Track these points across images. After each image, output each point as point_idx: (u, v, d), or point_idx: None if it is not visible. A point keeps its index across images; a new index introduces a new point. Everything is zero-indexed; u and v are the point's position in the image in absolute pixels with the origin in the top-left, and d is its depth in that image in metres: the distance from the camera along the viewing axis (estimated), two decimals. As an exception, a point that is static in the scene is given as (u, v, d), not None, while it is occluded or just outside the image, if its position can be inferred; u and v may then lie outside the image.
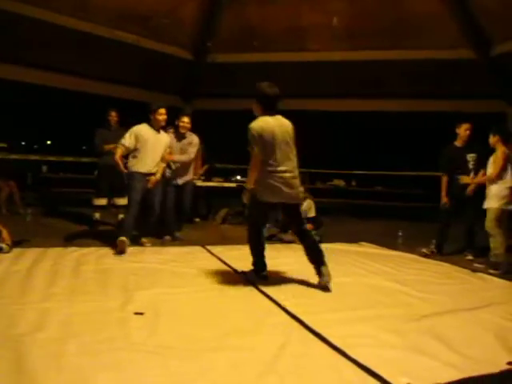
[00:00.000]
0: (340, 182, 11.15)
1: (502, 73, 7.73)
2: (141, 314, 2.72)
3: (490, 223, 4.52)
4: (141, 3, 7.30)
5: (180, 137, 5.44)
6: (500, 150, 4.52)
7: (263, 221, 3.82)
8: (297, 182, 3.56)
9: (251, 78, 8.67)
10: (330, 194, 11.05)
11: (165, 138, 4.90)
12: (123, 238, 4.48)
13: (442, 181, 5.35)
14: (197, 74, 8.83)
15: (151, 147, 4.70)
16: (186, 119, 5.23)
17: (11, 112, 13.80)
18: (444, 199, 5.27)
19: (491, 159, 4.62)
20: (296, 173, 3.56)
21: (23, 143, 17.15)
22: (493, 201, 4.52)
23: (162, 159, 4.85)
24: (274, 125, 3.49)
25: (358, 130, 14.52)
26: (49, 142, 20.23)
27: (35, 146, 18.06)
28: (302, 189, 3.85)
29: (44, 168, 10.12)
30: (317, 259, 3.60)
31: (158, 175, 4.79)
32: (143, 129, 4.72)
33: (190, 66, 8.73)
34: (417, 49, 7.80)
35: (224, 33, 8.22)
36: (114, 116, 5.99)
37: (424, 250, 5.30)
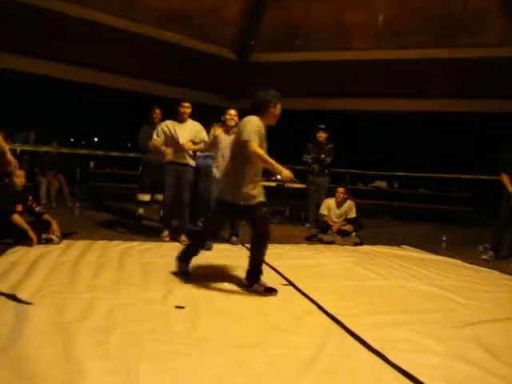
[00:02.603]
0: (382, 184, 10.92)
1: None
2: (181, 307, 2.78)
3: None
4: (185, 3, 7.43)
5: (229, 130, 5.45)
6: None
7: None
8: None
9: (294, 77, 8.74)
10: (371, 196, 10.85)
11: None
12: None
13: (503, 179, 5.23)
14: (240, 73, 8.90)
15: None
16: (232, 112, 5.23)
17: (61, 110, 14.39)
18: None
19: None
20: None
21: (72, 140, 17.84)
22: None
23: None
24: None
25: (403, 131, 14.18)
26: (96, 139, 20.97)
27: (83, 143, 18.76)
28: None
29: (91, 163, 10.51)
30: None
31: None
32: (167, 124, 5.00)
33: (234, 66, 8.80)
34: (465, 47, 7.51)
35: (267, 32, 8.24)
36: (157, 113, 6.15)
37: (485, 257, 5.12)
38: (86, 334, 2.26)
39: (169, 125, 4.99)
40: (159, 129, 5.01)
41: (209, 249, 4.59)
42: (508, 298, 3.55)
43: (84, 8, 6.86)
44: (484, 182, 7.88)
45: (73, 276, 3.32)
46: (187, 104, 5.01)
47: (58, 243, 4.34)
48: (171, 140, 4.93)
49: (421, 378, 1.98)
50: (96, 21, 7.00)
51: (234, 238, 5.21)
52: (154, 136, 5.00)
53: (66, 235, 4.64)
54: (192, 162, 5.11)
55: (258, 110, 3.41)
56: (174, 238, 5.02)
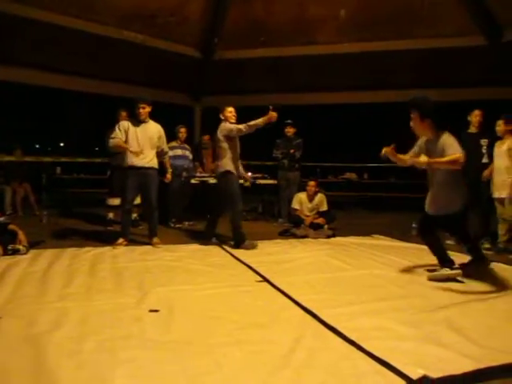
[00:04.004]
0: (352, 175, 11.07)
1: (514, 58, 7.59)
2: (156, 311, 2.75)
3: (510, 211, 4.54)
4: (146, 2, 7.32)
5: None
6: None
7: None
8: None
9: (259, 74, 8.74)
10: (342, 188, 10.99)
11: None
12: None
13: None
14: (205, 71, 8.84)
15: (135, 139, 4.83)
16: (233, 109, 5.07)
17: (22, 116, 13.98)
18: None
19: (504, 148, 4.62)
20: None
21: (37, 146, 17.37)
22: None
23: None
24: None
25: (369, 122, 14.41)
26: (62, 145, 20.48)
27: (49, 149, 18.29)
28: None
29: (58, 169, 10.23)
30: None
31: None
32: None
33: (198, 64, 8.73)
34: (426, 37, 7.69)
35: (231, 29, 8.21)
36: (123, 116, 6.04)
37: (448, 242, 5.17)
38: (58, 344, 2.21)
39: (130, 124, 4.85)
40: (120, 126, 4.84)
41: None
42: (476, 280, 3.65)
43: (44, 10, 6.66)
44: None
45: (42, 286, 3.23)
46: (143, 104, 4.84)
47: (25, 253, 4.22)
48: (135, 143, 4.80)
49: (394, 364, 2.02)
50: (56, 23, 6.81)
51: (214, 239, 5.19)
52: (115, 133, 4.80)
53: (33, 244, 4.52)
54: (155, 164, 4.95)
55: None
56: (149, 243, 4.95)
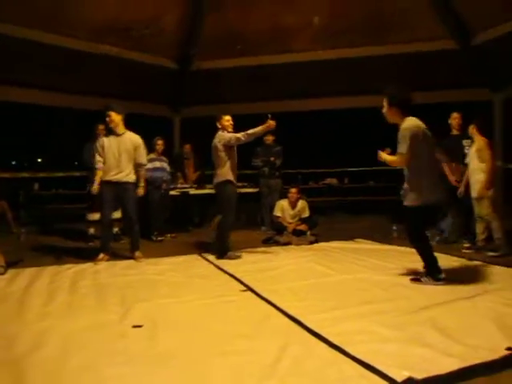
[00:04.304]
0: (333, 181, 11.16)
1: (484, 61, 7.78)
2: (140, 326, 2.70)
3: (487, 209, 4.64)
4: (121, 15, 7.28)
5: None
6: (481, 141, 4.72)
7: None
8: None
9: (238, 83, 8.76)
10: (324, 193, 11.07)
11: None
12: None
13: (444, 169, 5.42)
14: (183, 82, 8.83)
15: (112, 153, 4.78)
16: (229, 117, 5.01)
17: (-1, 132, 13.73)
18: (453, 181, 5.31)
19: (473, 149, 4.80)
20: None
21: (13, 162, 17.06)
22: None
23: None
24: None
25: (348, 128, 14.57)
26: (39, 160, 20.16)
27: (25, 164, 17.97)
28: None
29: (36, 185, 10.05)
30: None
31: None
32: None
33: (176, 75, 8.71)
34: (399, 43, 7.83)
35: (207, 39, 8.20)
36: (101, 129, 5.96)
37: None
38: (39, 366, 2.16)
39: (105, 141, 4.79)
40: (98, 149, 4.79)
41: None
42: (457, 279, 3.70)
43: (14, 26, 6.55)
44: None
45: (21, 306, 3.15)
46: (109, 112, 4.74)
47: (3, 274, 4.09)
48: (112, 157, 4.74)
49: (379, 367, 2.03)
50: (28, 38, 6.72)
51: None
52: (96, 160, 4.80)
53: (11, 264, 4.40)
54: (132, 178, 4.86)
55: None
56: (131, 256, 4.89)
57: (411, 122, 3.52)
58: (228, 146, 4.82)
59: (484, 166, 4.66)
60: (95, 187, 4.75)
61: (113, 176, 4.73)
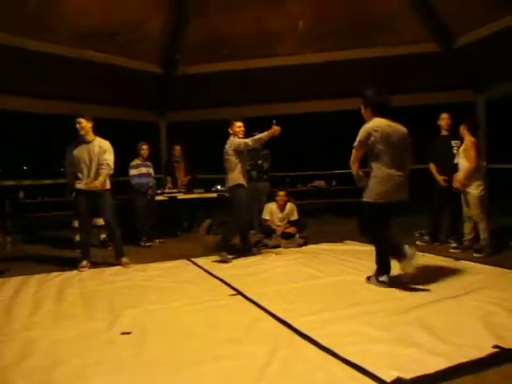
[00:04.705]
0: (321, 183, 11.19)
1: (466, 63, 7.91)
2: (128, 333, 2.69)
3: (476, 210, 4.68)
4: (105, 20, 7.24)
5: None
6: (469, 141, 4.78)
7: None
8: None
9: (223, 87, 8.77)
10: (312, 196, 11.10)
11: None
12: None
13: (430, 168, 5.54)
14: (168, 87, 8.80)
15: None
16: (241, 123, 5.14)
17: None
18: (440, 180, 5.38)
19: (461, 148, 4.88)
20: None
21: (-1, 170, 16.81)
22: (473, 188, 4.70)
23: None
24: None
25: (336, 130, 14.65)
26: (25, 168, 19.88)
27: (10, 173, 17.70)
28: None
29: (21, 194, 9.91)
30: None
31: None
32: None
33: (161, 80, 8.69)
34: (384, 45, 7.92)
35: (193, 44, 8.20)
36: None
37: (418, 243, 5.42)
38: (25, 376, 2.14)
39: (76, 148, 4.74)
40: (69, 157, 4.76)
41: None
42: (445, 279, 3.75)
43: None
44: (417, 172, 8.33)
45: (7, 316, 3.11)
46: (79, 119, 4.68)
47: (-12, 284, 4.05)
48: (83, 165, 4.71)
49: (368, 368, 2.05)
50: (11, 44, 6.64)
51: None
52: (65, 171, 4.85)
53: (-3, 273, 4.34)
54: (106, 185, 4.80)
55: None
56: (118, 262, 4.85)
57: (372, 124, 3.61)
58: (238, 151, 5.00)
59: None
60: (67, 198, 4.82)
61: (86, 185, 4.70)
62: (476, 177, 4.73)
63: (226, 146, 5.07)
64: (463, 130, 4.89)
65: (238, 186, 5.00)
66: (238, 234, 5.32)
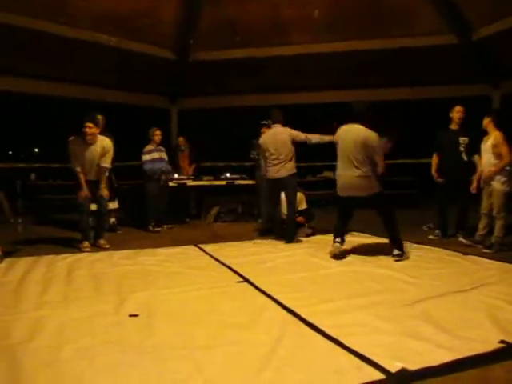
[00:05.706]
0: (330, 174, 11.14)
1: (484, 57, 7.78)
2: (136, 315, 2.72)
3: (498, 207, 4.56)
4: (119, 5, 7.22)
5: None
6: (497, 134, 4.55)
7: None
8: None
9: (235, 75, 8.72)
10: (321, 187, 11.07)
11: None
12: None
13: (432, 159, 5.45)
14: (181, 73, 8.78)
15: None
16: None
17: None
18: (435, 175, 5.36)
19: (488, 143, 4.63)
20: None
21: (10, 152, 16.94)
22: (499, 185, 4.56)
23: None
24: None
25: (344, 121, 14.56)
26: (36, 150, 20.03)
27: (22, 155, 17.85)
28: None
29: (32, 176, 10.00)
30: None
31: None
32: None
33: (174, 66, 8.66)
34: (398, 37, 7.81)
35: (206, 30, 8.15)
36: (100, 119, 5.93)
37: (431, 237, 5.40)
38: (34, 354, 2.17)
39: (77, 146, 4.87)
40: (72, 153, 4.89)
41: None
42: (452, 273, 3.73)
43: (13, 14, 6.48)
44: (426, 166, 8.24)
45: (17, 295, 3.16)
46: (89, 123, 4.76)
47: (0, 263, 4.11)
48: (87, 162, 4.92)
49: (374, 358, 2.05)
50: (27, 27, 6.65)
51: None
52: (74, 165, 4.94)
53: (8, 254, 4.40)
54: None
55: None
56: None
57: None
58: (294, 142, 5.42)
59: (498, 163, 4.52)
60: (83, 194, 4.96)
61: (89, 177, 4.98)
62: (503, 172, 4.54)
63: (286, 135, 5.36)
64: (488, 124, 4.64)
65: (295, 174, 5.41)
66: (278, 219, 5.63)
